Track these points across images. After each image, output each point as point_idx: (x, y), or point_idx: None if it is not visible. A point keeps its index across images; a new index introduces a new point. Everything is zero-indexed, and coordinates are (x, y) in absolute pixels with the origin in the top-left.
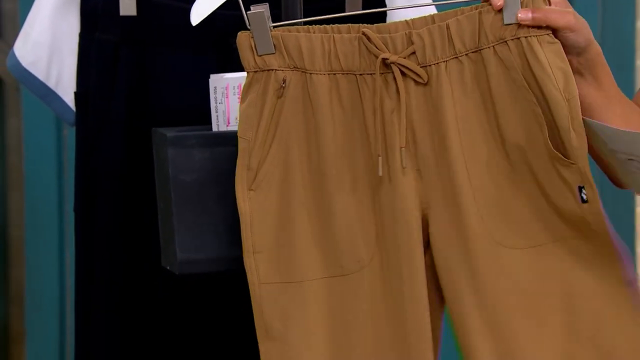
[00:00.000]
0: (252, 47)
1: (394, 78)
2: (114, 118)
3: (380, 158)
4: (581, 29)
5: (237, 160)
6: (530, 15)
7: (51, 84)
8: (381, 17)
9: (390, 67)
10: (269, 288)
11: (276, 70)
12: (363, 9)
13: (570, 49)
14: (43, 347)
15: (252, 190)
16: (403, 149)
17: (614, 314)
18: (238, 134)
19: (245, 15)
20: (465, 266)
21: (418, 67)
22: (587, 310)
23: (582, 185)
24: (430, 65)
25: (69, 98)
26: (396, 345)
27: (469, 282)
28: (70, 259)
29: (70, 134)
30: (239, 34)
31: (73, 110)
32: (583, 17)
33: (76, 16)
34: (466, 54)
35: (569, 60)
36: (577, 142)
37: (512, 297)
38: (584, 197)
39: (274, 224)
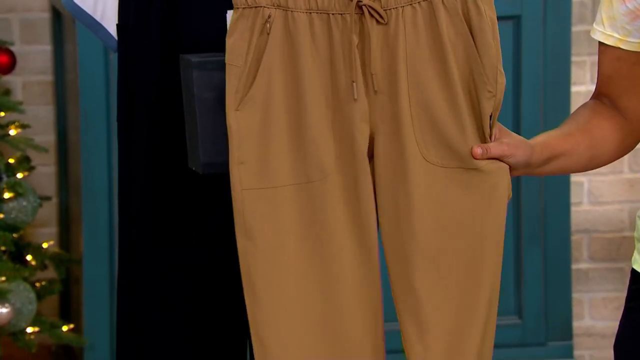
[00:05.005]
0: None
1: (360, 18)
2: (148, 45)
3: (354, 84)
4: (514, 154)
5: (227, 85)
6: (480, 150)
7: (97, 16)
8: None
9: (360, 8)
10: (249, 193)
11: (263, 7)
12: None
13: (517, 167)
14: (95, 226)
15: (238, 110)
16: (374, 75)
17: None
18: (227, 62)
19: None
20: (399, 179)
21: (382, 9)
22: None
23: (491, 113)
24: (390, 9)
25: (112, 29)
26: (353, 238)
27: (401, 199)
28: (116, 157)
29: (115, 58)
30: None
31: (115, 39)
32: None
33: None
34: (419, 2)
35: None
36: (500, 79)
37: (430, 211)
38: (491, 122)
39: (255, 139)
